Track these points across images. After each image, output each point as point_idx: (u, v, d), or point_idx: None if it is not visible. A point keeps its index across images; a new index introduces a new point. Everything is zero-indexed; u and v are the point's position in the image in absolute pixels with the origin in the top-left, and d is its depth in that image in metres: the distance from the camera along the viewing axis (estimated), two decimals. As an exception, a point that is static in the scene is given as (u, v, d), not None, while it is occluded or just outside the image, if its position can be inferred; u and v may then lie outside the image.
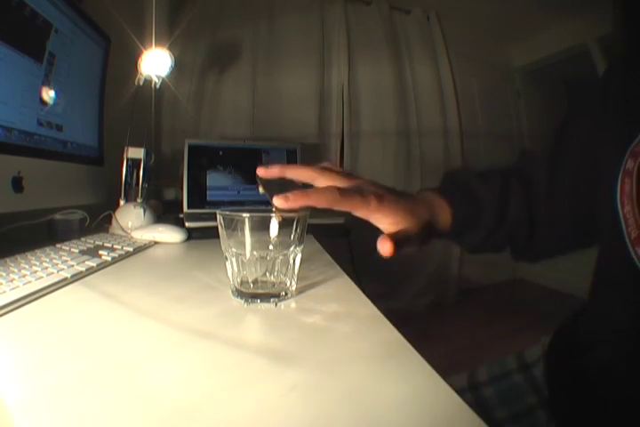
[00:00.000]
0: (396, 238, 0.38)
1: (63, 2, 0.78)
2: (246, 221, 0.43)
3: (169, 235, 0.86)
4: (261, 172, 0.44)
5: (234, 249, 0.45)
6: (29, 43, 0.71)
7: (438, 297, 2.54)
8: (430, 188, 0.51)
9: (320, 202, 0.37)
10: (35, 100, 0.75)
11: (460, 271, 2.64)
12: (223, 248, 0.47)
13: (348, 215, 0.40)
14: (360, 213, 0.40)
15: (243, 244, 0.44)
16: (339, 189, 0.38)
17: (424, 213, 0.44)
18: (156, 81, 1.06)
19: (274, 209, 0.39)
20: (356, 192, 0.39)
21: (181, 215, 1.21)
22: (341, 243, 1.54)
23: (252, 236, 0.44)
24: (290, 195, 0.37)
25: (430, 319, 2.27)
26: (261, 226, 0.44)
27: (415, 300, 2.43)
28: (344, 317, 0.43)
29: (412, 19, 2.49)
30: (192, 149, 1.36)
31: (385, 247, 0.37)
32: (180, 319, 0.40)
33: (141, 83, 1.05)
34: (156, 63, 1.04)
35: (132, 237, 0.84)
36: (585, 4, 2.23)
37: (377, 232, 0.40)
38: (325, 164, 0.48)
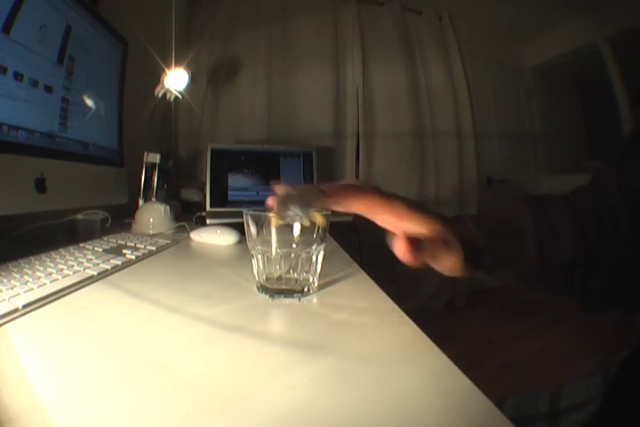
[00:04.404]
0: (413, 239, 0.34)
1: (82, 7, 0.80)
2: (272, 220, 0.44)
3: (225, 238, 0.86)
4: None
5: (260, 247, 0.46)
6: (50, 45, 0.73)
7: (451, 298, 2.52)
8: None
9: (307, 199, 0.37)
10: (56, 102, 0.76)
11: (473, 273, 2.61)
12: (249, 246, 0.48)
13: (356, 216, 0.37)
14: (359, 208, 0.37)
15: (268, 242, 0.45)
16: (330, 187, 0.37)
17: (446, 226, 0.36)
18: (177, 95, 1.16)
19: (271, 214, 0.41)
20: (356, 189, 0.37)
21: (203, 213, 1.29)
22: (351, 242, 1.55)
23: (277, 234, 0.45)
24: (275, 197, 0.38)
25: (443, 321, 2.26)
26: (286, 225, 0.45)
27: (428, 301, 2.42)
28: (364, 311, 0.44)
29: (423, 19, 2.49)
30: (214, 152, 1.45)
31: (400, 248, 0.34)
32: (208, 314, 0.41)
33: (160, 95, 1.13)
34: (175, 80, 1.19)
35: (151, 236, 0.85)
36: (594, 4, 2.22)
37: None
38: (344, 182, 0.43)
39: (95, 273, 0.54)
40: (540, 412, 0.53)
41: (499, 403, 0.52)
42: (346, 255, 0.75)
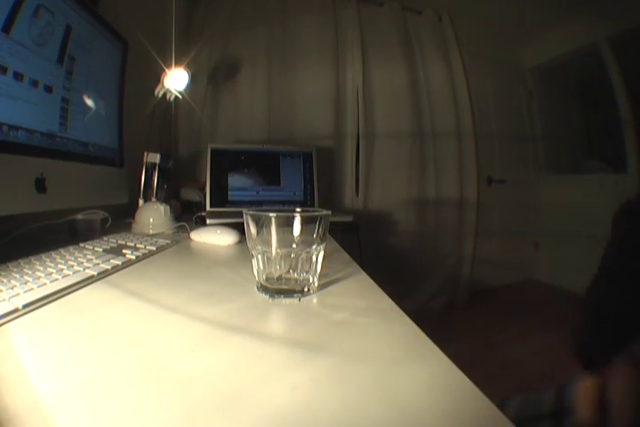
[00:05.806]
0: None
1: (82, 7, 0.80)
2: (273, 220, 0.44)
3: (225, 238, 0.86)
4: None
5: (260, 247, 0.46)
6: (50, 45, 0.73)
7: (451, 298, 2.53)
8: None
9: None
10: (56, 101, 0.76)
11: (472, 273, 2.62)
12: (250, 246, 0.48)
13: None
14: None
15: (268, 242, 0.45)
16: None
17: None
18: (177, 95, 1.18)
19: None
20: None
21: (203, 213, 1.29)
22: (351, 242, 1.56)
23: (277, 234, 0.45)
24: None
25: (443, 321, 2.27)
26: (286, 225, 0.45)
27: (428, 301, 2.42)
28: (364, 311, 0.44)
29: (423, 19, 2.49)
30: (214, 152, 1.45)
31: None
32: (208, 314, 0.41)
33: (160, 95, 1.14)
34: (175, 80, 1.21)
35: (151, 236, 0.85)
36: (594, 4, 2.22)
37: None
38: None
39: (95, 273, 0.54)
40: (544, 411, 0.53)
41: (502, 403, 0.52)
42: (346, 255, 0.74)
